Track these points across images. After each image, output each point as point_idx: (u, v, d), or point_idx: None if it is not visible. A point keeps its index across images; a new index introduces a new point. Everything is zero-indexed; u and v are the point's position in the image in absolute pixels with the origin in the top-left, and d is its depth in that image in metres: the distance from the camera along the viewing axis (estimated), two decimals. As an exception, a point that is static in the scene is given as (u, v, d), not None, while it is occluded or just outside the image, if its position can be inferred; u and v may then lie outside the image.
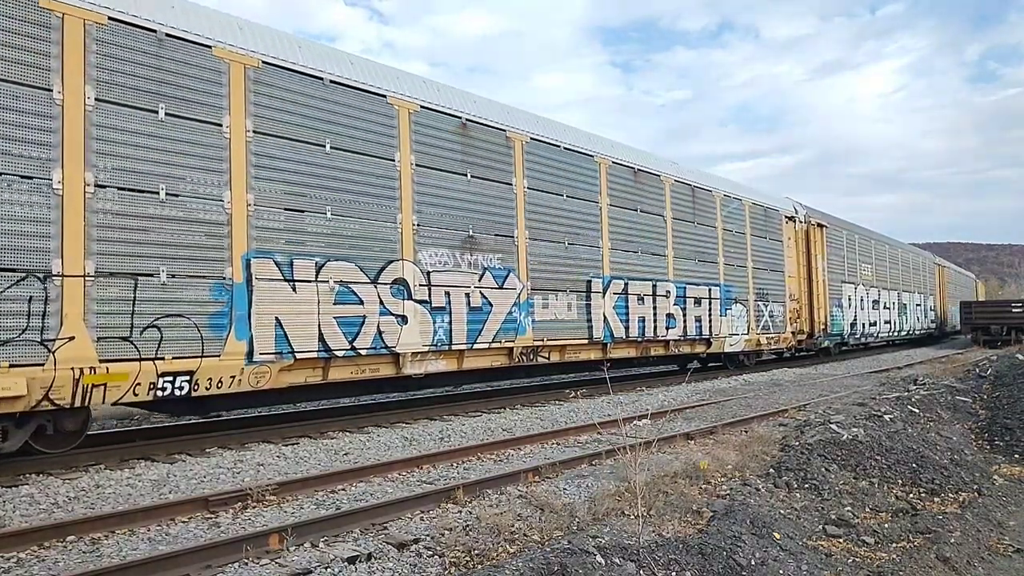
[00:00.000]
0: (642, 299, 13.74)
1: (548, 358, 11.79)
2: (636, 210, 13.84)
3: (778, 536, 4.83)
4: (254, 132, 8.02)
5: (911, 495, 6.18)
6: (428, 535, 4.83)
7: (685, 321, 14.94)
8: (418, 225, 9.68)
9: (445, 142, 10.18)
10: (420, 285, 9.58)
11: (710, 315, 15.79)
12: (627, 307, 13.31)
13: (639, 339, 13.57)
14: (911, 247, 34.69)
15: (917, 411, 9.38)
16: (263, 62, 8.16)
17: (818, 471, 6.39)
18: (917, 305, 32.38)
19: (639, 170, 14.11)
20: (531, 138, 11.62)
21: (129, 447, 7.70)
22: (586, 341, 12.33)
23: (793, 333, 19.46)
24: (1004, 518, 5.88)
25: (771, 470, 6.56)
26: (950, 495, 6.19)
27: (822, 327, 20.87)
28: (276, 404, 10.61)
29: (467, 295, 10.23)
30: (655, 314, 14.05)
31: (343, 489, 6.29)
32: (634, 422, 9.35)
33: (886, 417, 8.45)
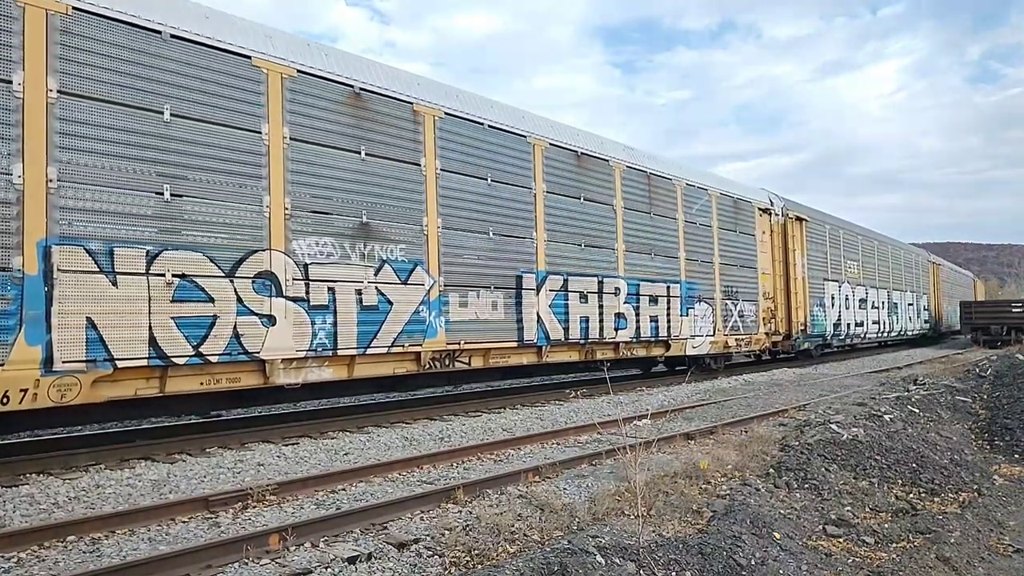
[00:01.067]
0: (585, 297, 12.31)
1: (469, 363, 10.38)
2: (579, 198, 12.38)
3: (778, 536, 4.83)
4: (59, 92, 6.53)
5: (911, 495, 6.18)
6: (428, 535, 4.83)
7: (638, 321, 13.50)
8: (292, 209, 8.20)
9: (331, 114, 8.72)
10: (295, 280, 8.17)
11: (669, 315, 14.36)
12: (567, 306, 11.92)
13: (582, 341, 12.18)
14: (903, 244, 32.98)
15: (917, 411, 9.38)
16: (72, 8, 6.72)
17: (818, 471, 6.39)
18: (909, 304, 30.94)
19: (583, 154, 12.59)
20: (446, 113, 10.09)
21: (129, 447, 7.69)
22: (516, 344, 10.93)
23: (767, 334, 18.16)
24: (1004, 518, 5.88)
25: (771, 470, 6.56)
26: (950, 495, 6.20)
27: (801, 328, 19.57)
28: (278, 404, 10.62)
29: (359, 292, 8.86)
30: (601, 314, 12.62)
31: (343, 489, 6.29)
32: (634, 422, 9.35)
33: (886, 417, 8.45)
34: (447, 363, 10.06)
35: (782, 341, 18.99)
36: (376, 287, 9.09)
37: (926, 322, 33.78)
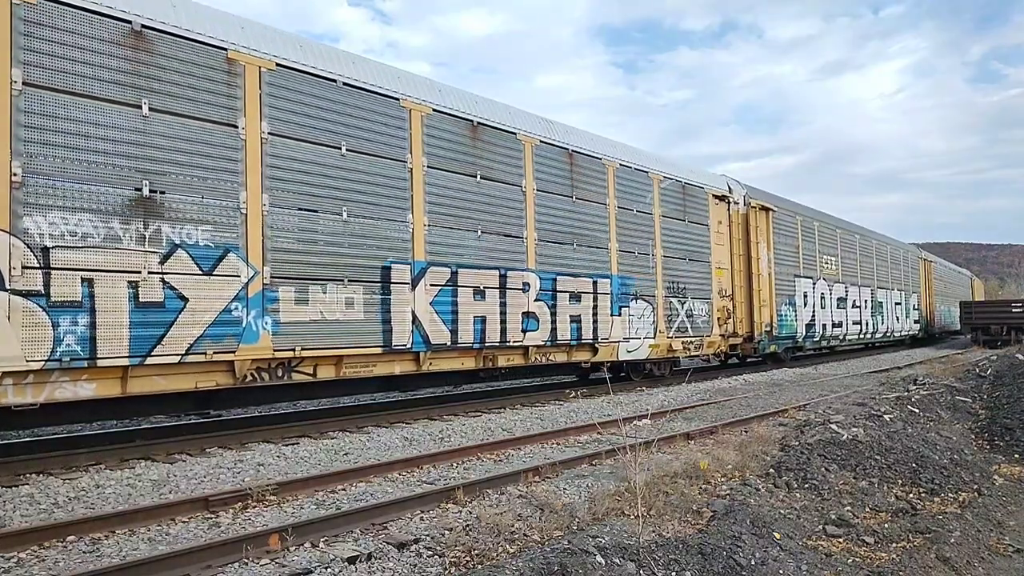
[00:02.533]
0: (482, 293, 10.50)
1: (313, 374, 8.63)
2: (475, 176, 10.54)
3: (778, 536, 4.83)
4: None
5: (911, 495, 6.18)
6: (428, 535, 4.83)
7: (555, 322, 11.70)
8: (25, 175, 6.32)
9: (94, 56, 6.83)
10: (27, 268, 6.31)
11: (595, 314, 12.55)
12: (455, 303, 10.10)
13: (477, 346, 10.38)
14: (890, 238, 30.61)
15: (917, 411, 9.38)
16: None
17: (818, 471, 6.39)
18: (897, 304, 28.92)
19: (479, 124, 10.70)
20: (277, 65, 8.22)
21: (129, 447, 7.70)
22: (381, 349, 9.11)
23: (723, 336, 16.35)
24: (1004, 518, 5.89)
25: (771, 470, 6.56)
26: (950, 495, 6.20)
27: (766, 329, 17.71)
28: (276, 403, 10.63)
29: (134, 284, 6.96)
30: (504, 313, 10.81)
31: (343, 489, 6.29)
32: (634, 422, 9.36)
33: (886, 417, 8.45)
34: (279, 374, 8.27)
35: (743, 344, 17.34)
36: (162, 278, 7.18)
37: (916, 322, 31.88)
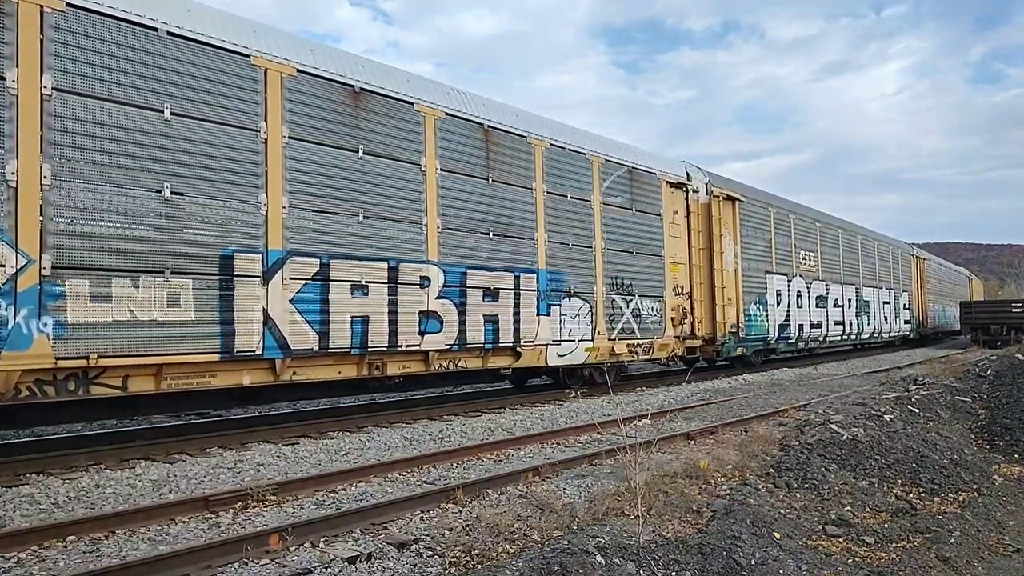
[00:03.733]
0: (364, 288, 8.93)
1: (123, 387, 7.07)
2: (356, 152, 8.99)
3: (778, 536, 4.83)
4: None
5: (911, 495, 6.18)
6: (428, 535, 4.83)
7: (463, 323, 10.15)
8: None
9: None
10: None
11: (517, 314, 11.05)
12: (326, 301, 8.53)
13: (357, 351, 8.82)
14: (878, 234, 28.74)
15: (917, 411, 9.38)
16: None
17: (818, 471, 6.39)
18: (885, 303, 27.18)
19: (364, 91, 9.17)
20: (67, 4, 6.68)
21: (129, 447, 7.70)
22: (219, 356, 7.57)
23: (678, 338, 14.76)
24: (1004, 518, 5.89)
25: (771, 470, 6.57)
26: (950, 495, 6.20)
27: (731, 330, 16.20)
28: (276, 403, 10.64)
29: None
30: (394, 312, 9.26)
31: (343, 489, 6.29)
32: (634, 422, 9.36)
33: (886, 417, 8.46)
34: (72, 387, 6.74)
35: (704, 346, 15.84)
36: None
37: (907, 323, 30.08)
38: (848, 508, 5.77)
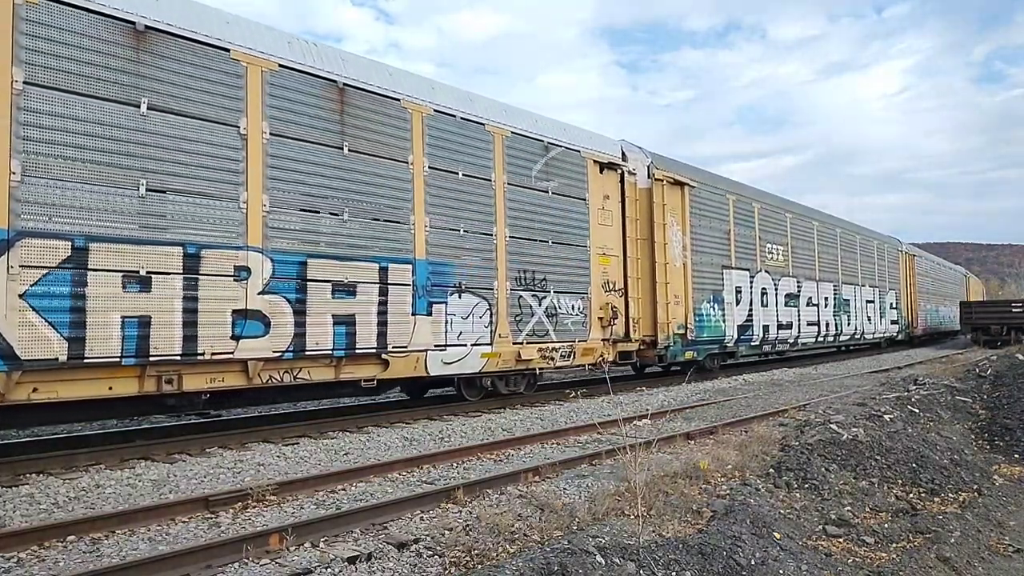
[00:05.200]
0: (142, 280, 7.09)
1: None
2: (137, 107, 7.17)
3: (778, 536, 4.83)
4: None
5: (911, 495, 6.18)
6: (428, 535, 4.83)
7: (302, 323, 8.32)
8: None
9: None
10: None
11: (383, 313, 9.19)
12: (82, 295, 6.72)
13: (133, 360, 7.02)
14: (863, 228, 26.77)
15: (917, 411, 9.38)
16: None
17: (818, 471, 6.39)
18: (868, 302, 25.33)
19: (148, 29, 7.32)
20: None
21: (129, 447, 7.70)
22: None
23: (608, 341, 12.86)
24: (1004, 518, 5.89)
25: (771, 470, 6.57)
26: (950, 495, 6.20)
27: (678, 331, 14.43)
28: (278, 404, 10.63)
29: None
30: (193, 310, 7.43)
31: (343, 489, 6.29)
32: (634, 422, 9.35)
33: (886, 417, 8.45)
34: None
35: (644, 350, 14.00)
36: None
37: (894, 323, 28.17)
38: (848, 508, 5.77)
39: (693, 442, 8.19)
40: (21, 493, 5.94)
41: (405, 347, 9.50)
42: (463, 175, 10.50)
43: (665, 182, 14.62)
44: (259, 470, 7.00)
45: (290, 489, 6.08)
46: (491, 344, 10.75)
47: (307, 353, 8.41)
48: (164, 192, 7.38)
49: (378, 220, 9.31)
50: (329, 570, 4.22)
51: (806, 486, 6.15)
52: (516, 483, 6.32)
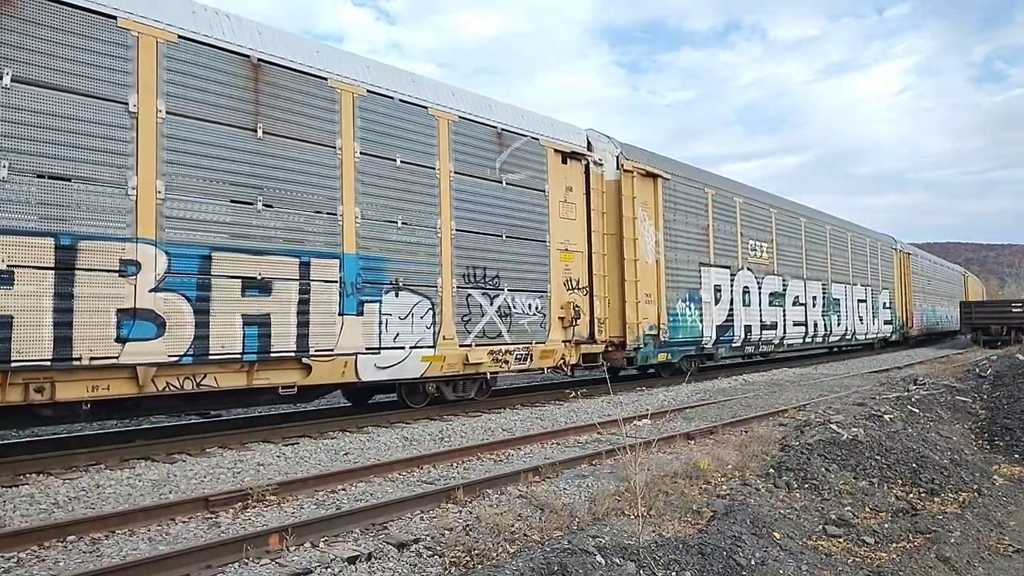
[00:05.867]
0: (3, 278, 6.25)
1: None
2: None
3: (778, 536, 4.83)
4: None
5: (911, 495, 6.19)
6: (428, 535, 4.83)
7: (204, 324, 7.53)
8: None
9: None
10: None
11: (305, 313, 8.42)
12: None
13: None
14: (854, 224, 25.88)
15: (917, 411, 9.38)
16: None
17: (818, 471, 6.39)
18: (860, 301, 24.51)
19: None
20: None
21: (129, 447, 7.70)
22: None
23: (569, 343, 12.09)
24: (1004, 518, 5.89)
25: (771, 470, 6.57)
26: (950, 495, 6.20)
27: (649, 332, 13.61)
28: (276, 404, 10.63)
29: None
30: (67, 310, 6.59)
31: (343, 489, 6.29)
32: (634, 422, 9.35)
33: (886, 417, 8.45)
34: None
35: (611, 352, 13.11)
36: None
37: (887, 323, 27.26)
38: (848, 508, 5.77)
39: (693, 442, 8.19)
40: (21, 493, 5.94)
41: (331, 350, 8.64)
42: (402, 162, 9.63)
43: (635, 174, 13.71)
44: (259, 470, 7.00)
45: (290, 489, 6.08)
46: (434, 347, 9.90)
47: (211, 357, 7.55)
48: (31, 176, 6.46)
49: (299, 210, 8.49)
50: (329, 570, 4.23)
51: (806, 486, 6.15)
52: (516, 483, 6.32)
